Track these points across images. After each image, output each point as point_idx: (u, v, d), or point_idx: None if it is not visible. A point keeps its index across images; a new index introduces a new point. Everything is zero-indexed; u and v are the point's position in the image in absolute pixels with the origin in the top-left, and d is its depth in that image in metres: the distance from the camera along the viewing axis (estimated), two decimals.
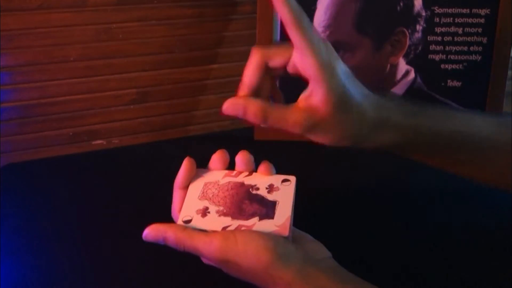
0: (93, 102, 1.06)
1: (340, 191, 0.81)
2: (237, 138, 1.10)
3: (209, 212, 0.60)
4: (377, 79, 1.07)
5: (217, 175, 0.63)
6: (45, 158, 1.04)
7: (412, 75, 1.09)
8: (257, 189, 0.61)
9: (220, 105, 1.01)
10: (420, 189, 0.91)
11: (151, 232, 0.58)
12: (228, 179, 0.62)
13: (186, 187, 0.61)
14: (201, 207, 0.60)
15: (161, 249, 0.66)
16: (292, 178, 0.61)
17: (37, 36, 0.97)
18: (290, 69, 0.60)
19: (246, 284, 0.59)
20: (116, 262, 0.76)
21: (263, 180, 0.61)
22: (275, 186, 0.61)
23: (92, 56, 1.03)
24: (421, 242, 0.79)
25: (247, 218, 0.59)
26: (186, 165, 0.62)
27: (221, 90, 1.15)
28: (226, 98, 1.00)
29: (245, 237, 0.55)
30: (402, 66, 1.08)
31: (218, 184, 0.62)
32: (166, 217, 0.65)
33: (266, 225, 0.58)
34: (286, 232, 0.56)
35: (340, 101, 0.57)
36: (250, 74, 0.61)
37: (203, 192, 0.62)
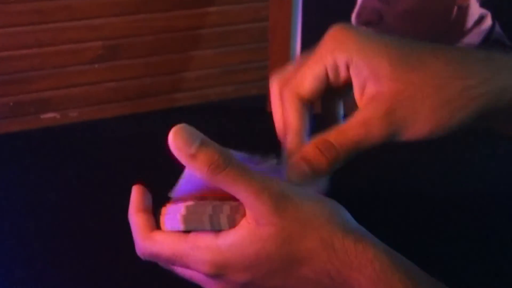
0: (43, 59, 1.03)
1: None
2: (243, 110, 1.11)
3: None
4: (440, 28, 1.04)
5: None
6: None
7: (488, 21, 1.04)
8: None
9: (220, 64, 1.15)
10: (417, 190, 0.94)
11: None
12: None
13: (146, 210, 0.62)
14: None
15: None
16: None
17: None
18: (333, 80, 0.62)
19: None
20: (64, 261, 0.77)
21: None
22: None
23: None
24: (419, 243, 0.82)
25: None
26: (137, 189, 0.62)
27: (221, 43, 1.13)
28: (227, 53, 1.13)
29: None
30: (475, 9, 1.04)
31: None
32: None
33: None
34: None
35: (401, 56, 0.59)
36: (293, 117, 0.62)
37: None
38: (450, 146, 1.02)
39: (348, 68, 0.60)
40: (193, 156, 0.54)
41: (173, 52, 1.10)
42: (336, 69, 0.61)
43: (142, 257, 0.60)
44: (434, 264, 0.74)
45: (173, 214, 0.58)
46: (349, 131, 0.59)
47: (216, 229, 0.56)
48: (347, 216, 0.57)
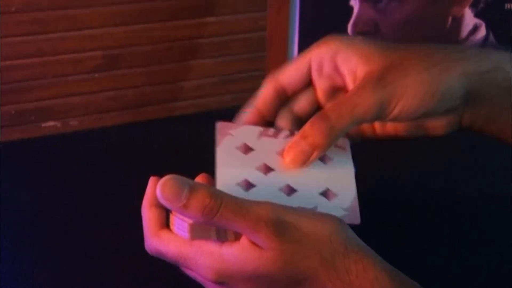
0: (43, 69, 1.03)
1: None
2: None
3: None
4: (435, 37, 1.07)
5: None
6: None
7: (482, 31, 1.08)
8: None
9: (218, 73, 1.15)
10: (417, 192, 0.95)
11: (167, 185, 0.55)
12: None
13: (158, 205, 0.61)
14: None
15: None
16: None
17: None
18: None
19: None
20: (72, 267, 0.79)
21: None
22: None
23: (41, 5, 0.99)
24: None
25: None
26: (153, 182, 0.62)
27: (221, 52, 1.13)
28: (225, 63, 1.14)
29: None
30: (469, 19, 1.08)
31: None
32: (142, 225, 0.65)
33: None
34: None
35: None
36: (260, 93, 0.65)
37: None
38: (446, 151, 1.02)
39: (333, 62, 0.63)
40: (185, 206, 0.55)
41: (172, 61, 1.11)
42: (320, 62, 0.64)
43: (149, 252, 0.60)
44: (430, 269, 0.79)
45: (181, 222, 0.58)
46: (343, 101, 0.61)
47: (222, 240, 0.58)
48: (349, 233, 0.57)
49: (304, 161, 0.61)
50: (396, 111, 0.61)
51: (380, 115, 0.61)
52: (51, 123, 1.07)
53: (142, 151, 1.02)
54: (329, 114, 0.60)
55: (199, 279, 0.59)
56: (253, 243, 0.55)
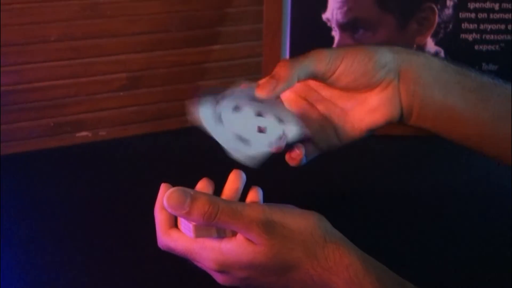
0: (77, 88, 1.07)
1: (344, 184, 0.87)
2: None
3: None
4: None
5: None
6: (22, 152, 1.04)
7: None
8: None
9: None
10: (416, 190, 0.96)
11: (174, 194, 0.58)
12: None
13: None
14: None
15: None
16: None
17: (12, 13, 0.97)
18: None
19: None
20: (103, 263, 0.80)
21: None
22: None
23: (76, 35, 1.03)
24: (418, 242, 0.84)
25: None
26: (164, 187, 0.64)
27: (224, 75, 1.15)
28: (228, 84, 1.01)
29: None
30: (430, 47, 1.09)
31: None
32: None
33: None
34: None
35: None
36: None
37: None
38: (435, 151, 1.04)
39: None
40: (187, 213, 0.58)
41: (184, 82, 1.13)
42: None
43: (161, 248, 0.64)
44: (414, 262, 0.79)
45: (186, 223, 0.61)
46: (303, 55, 0.67)
47: (222, 236, 0.61)
48: (328, 226, 0.61)
49: (272, 89, 0.64)
50: (342, 66, 0.66)
51: (331, 66, 0.66)
52: (83, 133, 1.09)
53: (160, 156, 1.04)
54: (290, 59, 0.66)
55: (204, 268, 0.63)
56: (248, 239, 0.59)
